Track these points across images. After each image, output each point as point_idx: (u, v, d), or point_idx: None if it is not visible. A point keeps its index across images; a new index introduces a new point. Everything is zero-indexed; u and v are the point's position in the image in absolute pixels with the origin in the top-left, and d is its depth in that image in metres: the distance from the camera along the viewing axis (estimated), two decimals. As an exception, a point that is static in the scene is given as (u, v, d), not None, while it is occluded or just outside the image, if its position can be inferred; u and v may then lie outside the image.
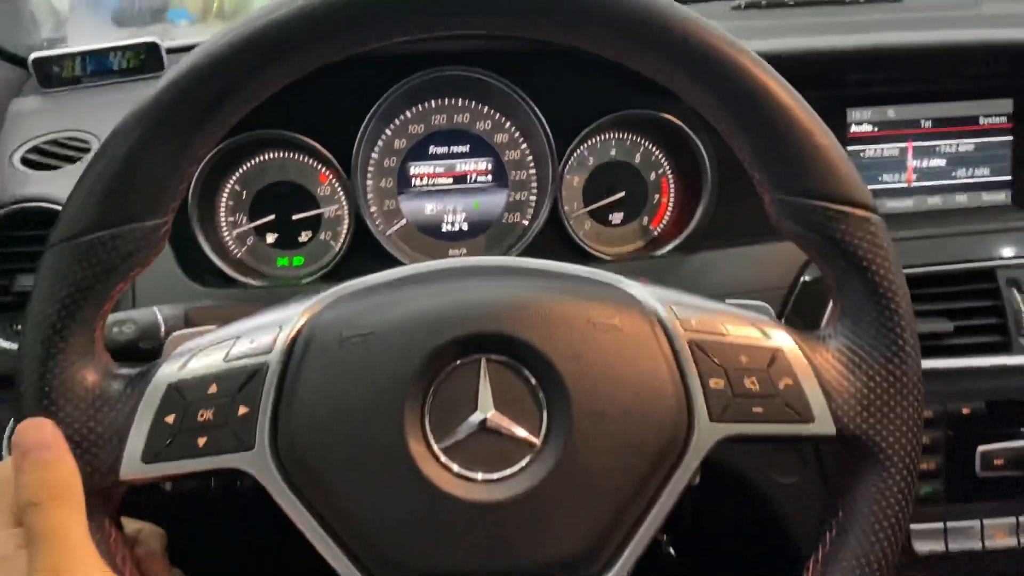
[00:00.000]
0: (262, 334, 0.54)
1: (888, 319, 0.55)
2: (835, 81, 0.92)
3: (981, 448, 0.81)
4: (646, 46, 0.54)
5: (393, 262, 0.90)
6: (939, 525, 0.83)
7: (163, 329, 0.66)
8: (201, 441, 0.51)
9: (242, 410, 0.52)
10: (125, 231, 0.52)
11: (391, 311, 0.54)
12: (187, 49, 1.02)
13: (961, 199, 0.96)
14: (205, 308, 0.68)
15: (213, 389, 0.52)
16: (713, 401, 0.54)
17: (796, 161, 0.54)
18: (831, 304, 0.58)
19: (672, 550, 0.85)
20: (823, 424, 0.54)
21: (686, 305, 0.56)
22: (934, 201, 0.96)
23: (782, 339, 0.56)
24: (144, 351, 0.65)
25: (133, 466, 0.51)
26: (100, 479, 0.51)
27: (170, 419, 0.52)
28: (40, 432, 0.50)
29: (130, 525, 0.58)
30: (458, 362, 0.53)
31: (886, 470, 0.55)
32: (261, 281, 0.89)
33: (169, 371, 0.53)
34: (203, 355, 0.54)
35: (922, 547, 0.83)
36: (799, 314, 0.83)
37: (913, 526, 0.82)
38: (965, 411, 0.81)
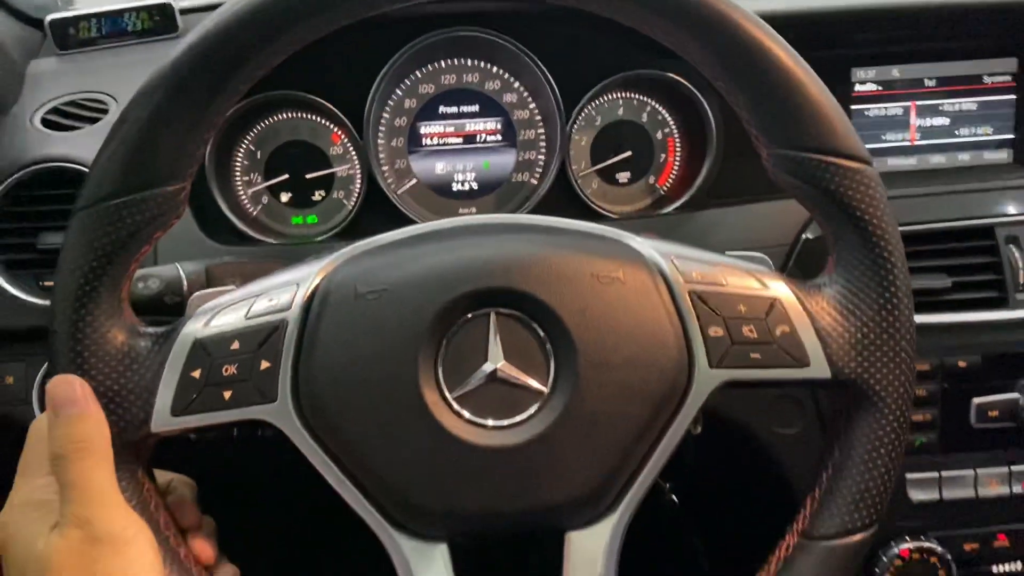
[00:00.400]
0: (280, 292, 0.56)
1: (881, 266, 0.57)
2: (840, 41, 0.93)
3: (976, 400, 0.84)
4: (645, 6, 0.56)
5: (405, 220, 0.92)
6: (934, 475, 0.86)
7: (185, 284, 0.68)
8: (226, 394, 0.54)
9: (264, 364, 0.54)
10: (147, 196, 0.54)
11: (404, 268, 0.56)
12: (200, 10, 1.04)
13: (963, 158, 0.97)
14: (225, 264, 0.71)
15: (236, 345, 0.55)
16: (712, 348, 0.56)
17: (790, 115, 0.56)
18: (829, 255, 0.60)
19: (675, 498, 0.88)
20: (818, 368, 0.57)
21: (687, 258, 0.58)
22: (936, 160, 0.97)
23: (779, 288, 0.58)
24: (168, 306, 0.68)
25: (163, 419, 0.54)
26: (132, 432, 0.54)
27: (196, 374, 0.54)
28: (68, 388, 0.53)
29: (161, 476, 0.61)
30: (469, 316, 0.55)
31: (879, 411, 0.58)
32: (277, 239, 0.92)
33: (193, 329, 0.56)
34: (225, 313, 0.56)
35: (917, 495, 0.85)
36: (801, 270, 0.85)
37: (909, 475, 0.85)
38: (961, 364, 0.83)
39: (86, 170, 0.81)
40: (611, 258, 0.57)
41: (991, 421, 0.84)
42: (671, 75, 0.92)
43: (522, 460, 0.54)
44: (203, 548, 0.59)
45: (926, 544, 0.86)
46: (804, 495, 0.61)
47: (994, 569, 0.89)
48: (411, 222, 0.91)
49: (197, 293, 0.62)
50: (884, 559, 0.87)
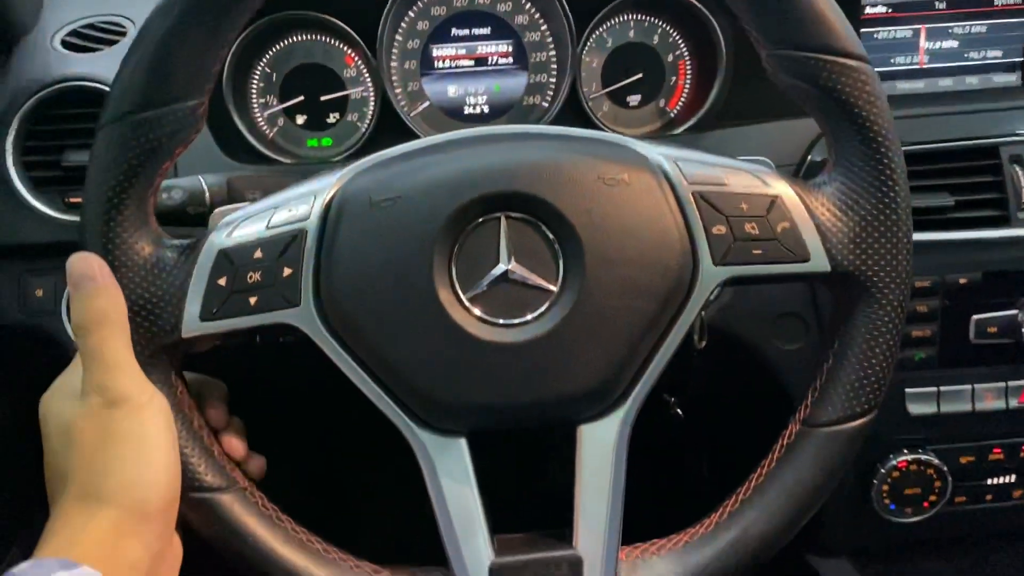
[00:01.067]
0: (298, 203, 0.59)
1: (879, 161, 0.59)
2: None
3: (975, 316, 0.86)
4: None
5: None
6: (932, 389, 0.88)
7: (208, 195, 0.71)
8: (252, 300, 0.57)
9: (286, 271, 0.57)
10: (167, 111, 0.56)
11: (416, 176, 0.58)
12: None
13: (972, 81, 0.98)
14: (246, 177, 0.73)
15: (258, 254, 0.57)
16: (716, 246, 0.58)
17: (788, 15, 0.58)
18: (828, 154, 0.62)
19: (680, 411, 0.91)
20: (818, 262, 0.59)
21: (690, 160, 0.60)
22: (945, 83, 0.98)
23: (780, 187, 0.60)
24: (191, 216, 0.70)
25: (193, 324, 0.57)
26: (164, 338, 0.57)
27: (222, 282, 0.57)
28: (86, 265, 0.56)
29: (192, 379, 0.64)
30: (480, 220, 0.58)
31: (877, 302, 0.60)
32: (293, 160, 0.94)
33: (217, 239, 0.58)
34: (247, 224, 0.59)
35: (916, 409, 0.88)
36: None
37: (907, 389, 0.88)
38: (962, 281, 0.85)
39: (107, 88, 0.83)
40: (617, 162, 0.59)
41: (990, 337, 0.86)
42: (682, -3, 0.92)
43: (534, 355, 0.57)
44: (234, 445, 0.63)
45: (923, 457, 0.89)
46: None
47: (989, 481, 0.92)
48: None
49: (219, 209, 0.64)
50: (882, 471, 0.90)
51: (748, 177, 0.60)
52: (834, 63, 0.57)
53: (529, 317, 0.57)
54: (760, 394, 0.89)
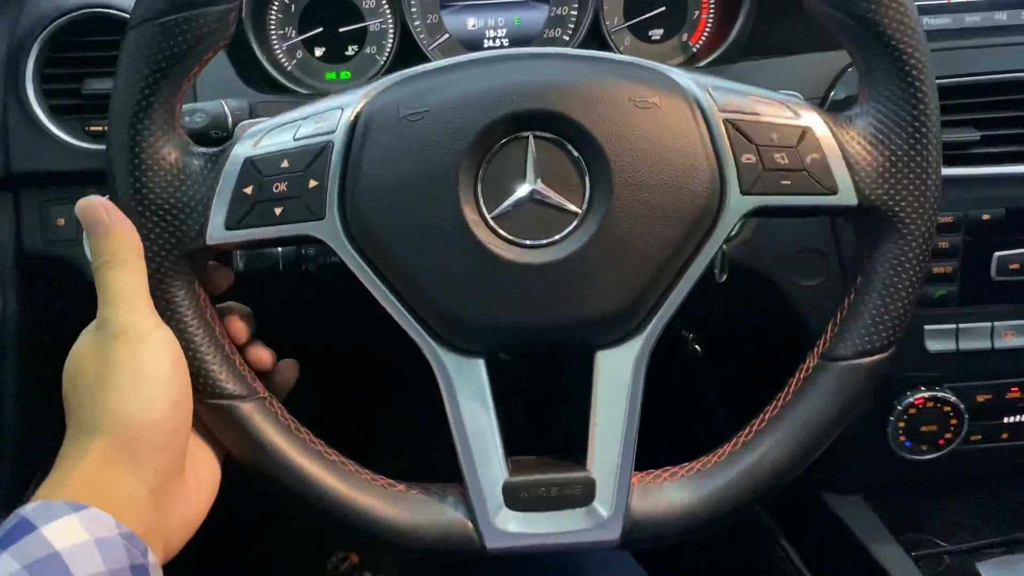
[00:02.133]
0: (326, 116, 0.58)
1: (913, 96, 0.58)
2: None
3: (997, 253, 0.85)
4: None
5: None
6: (952, 326, 0.88)
7: (230, 119, 0.71)
8: (278, 210, 0.57)
9: (312, 183, 0.57)
10: (199, 14, 0.55)
11: (445, 91, 0.58)
12: None
13: (1000, 17, 0.96)
14: (268, 103, 0.73)
15: (285, 164, 0.57)
16: (744, 174, 0.58)
17: None
18: (859, 86, 0.61)
19: (698, 347, 0.91)
20: (846, 195, 0.59)
21: (723, 88, 0.60)
22: (972, 19, 0.96)
23: (811, 119, 0.59)
24: (213, 140, 0.70)
25: (218, 232, 0.57)
26: (188, 243, 0.57)
27: (248, 190, 0.57)
28: (94, 210, 0.56)
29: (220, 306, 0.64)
30: (508, 138, 0.57)
31: (903, 237, 0.60)
32: (312, 93, 0.93)
33: (244, 148, 0.58)
34: (274, 134, 0.58)
35: (934, 346, 0.88)
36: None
37: (927, 327, 0.88)
38: (985, 217, 0.85)
39: (126, 15, 0.83)
40: (649, 85, 0.58)
41: (1011, 274, 0.86)
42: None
43: (556, 277, 0.57)
44: (262, 355, 0.63)
45: (940, 394, 0.89)
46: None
47: (1005, 420, 0.92)
48: (444, 77, 0.93)
49: (243, 122, 0.64)
50: (899, 408, 0.90)
51: (780, 107, 0.59)
52: None
53: (554, 238, 0.57)
54: (779, 330, 0.89)
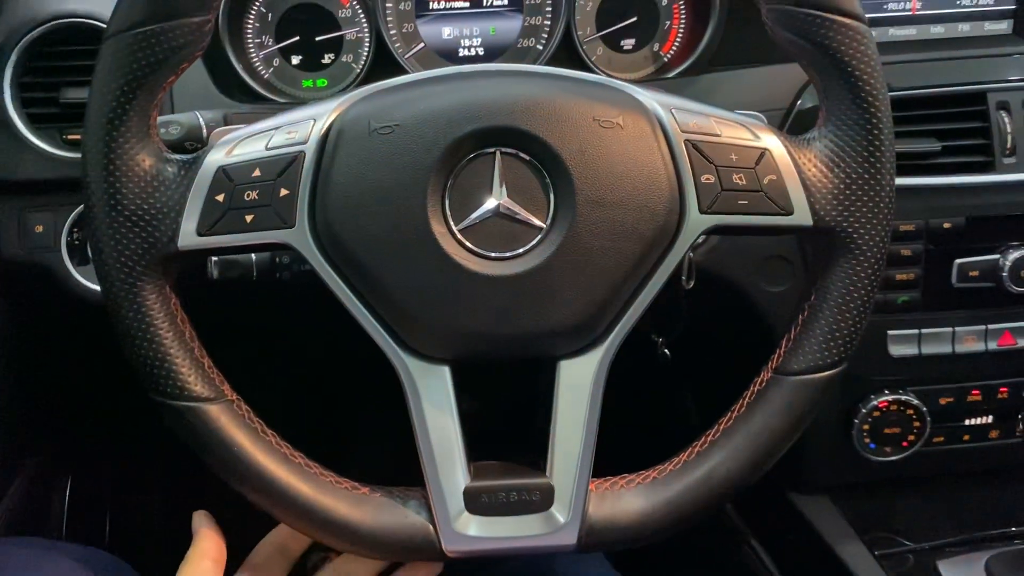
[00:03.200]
0: (298, 126, 0.60)
1: (868, 121, 0.60)
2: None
3: (958, 261, 0.88)
4: None
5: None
6: (914, 331, 0.90)
7: (205, 131, 0.72)
8: (248, 218, 0.59)
9: (283, 192, 0.59)
10: (174, 25, 0.57)
11: (415, 106, 0.59)
12: None
13: (964, 28, 0.98)
14: (243, 114, 0.74)
15: (257, 173, 0.59)
16: (703, 194, 0.60)
17: None
18: (819, 108, 0.63)
19: (667, 352, 0.93)
20: (801, 216, 0.61)
21: (685, 109, 0.61)
22: (936, 30, 0.98)
23: (770, 140, 0.61)
24: (189, 151, 0.71)
25: (189, 238, 0.59)
26: (161, 249, 0.59)
27: (220, 198, 0.58)
28: (207, 536, 0.69)
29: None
30: (475, 153, 0.59)
31: (855, 257, 0.62)
32: (288, 101, 0.94)
33: (217, 156, 0.59)
34: (246, 143, 0.60)
35: (897, 351, 0.90)
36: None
37: (890, 332, 0.90)
38: (946, 226, 0.87)
39: (103, 25, 0.84)
40: (613, 104, 0.60)
41: (971, 281, 0.88)
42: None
43: (520, 289, 0.59)
44: None
45: (903, 397, 0.92)
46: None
47: (966, 422, 0.95)
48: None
49: (217, 129, 0.65)
50: (863, 411, 0.92)
51: (740, 129, 0.61)
52: (832, 21, 0.58)
53: (518, 251, 0.59)
54: (746, 335, 0.91)
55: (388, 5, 0.96)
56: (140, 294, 0.59)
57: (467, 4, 0.98)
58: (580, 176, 0.58)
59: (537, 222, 0.59)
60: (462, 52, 0.99)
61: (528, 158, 0.59)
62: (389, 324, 0.60)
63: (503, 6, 0.98)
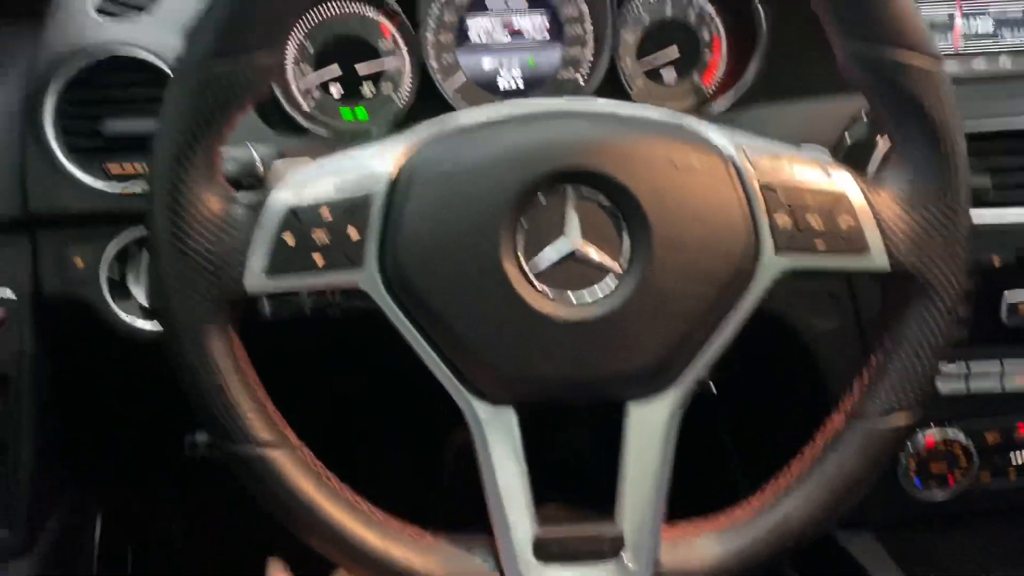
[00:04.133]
0: (368, 165, 0.59)
1: (945, 165, 0.60)
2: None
3: (1007, 297, 0.87)
4: None
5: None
6: (963, 369, 0.89)
7: (259, 165, 0.71)
8: (317, 259, 0.57)
9: (353, 233, 0.57)
10: (242, 61, 0.56)
11: (487, 147, 0.59)
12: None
13: (1006, 63, 0.98)
14: (297, 151, 0.72)
15: (326, 214, 0.57)
16: (779, 236, 0.59)
17: (869, 11, 0.58)
18: (889, 148, 0.63)
19: (712, 385, 0.92)
20: (878, 259, 0.60)
21: (758, 148, 0.61)
22: (979, 65, 0.98)
23: (844, 181, 0.60)
24: (243, 187, 0.70)
25: (257, 280, 0.57)
26: (228, 291, 0.58)
27: (289, 238, 0.57)
28: None
29: None
30: (549, 194, 0.58)
31: (932, 302, 0.61)
32: (329, 133, 0.93)
33: (285, 196, 0.58)
34: (315, 183, 0.59)
35: (945, 387, 0.89)
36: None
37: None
38: (995, 262, 0.86)
39: (146, 56, 0.83)
40: (688, 145, 0.59)
41: (1021, 317, 0.87)
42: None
43: (594, 333, 0.58)
44: None
45: (951, 434, 0.91)
46: (839, 389, 0.64)
47: (1012, 459, 0.94)
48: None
49: (279, 160, 0.64)
50: (910, 447, 0.91)
51: (812, 168, 0.60)
52: (909, 65, 0.58)
53: (593, 296, 0.58)
54: (793, 373, 0.91)
55: (429, 36, 0.95)
56: (206, 338, 0.58)
57: (507, 35, 0.97)
58: (656, 219, 0.58)
59: (612, 265, 0.58)
60: (501, 83, 0.98)
61: (603, 199, 0.58)
62: (457, 367, 0.59)
63: (543, 37, 0.97)
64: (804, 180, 0.60)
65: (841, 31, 0.59)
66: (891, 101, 0.60)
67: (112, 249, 0.83)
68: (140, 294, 0.83)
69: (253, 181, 0.70)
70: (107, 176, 0.83)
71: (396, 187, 0.58)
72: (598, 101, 0.64)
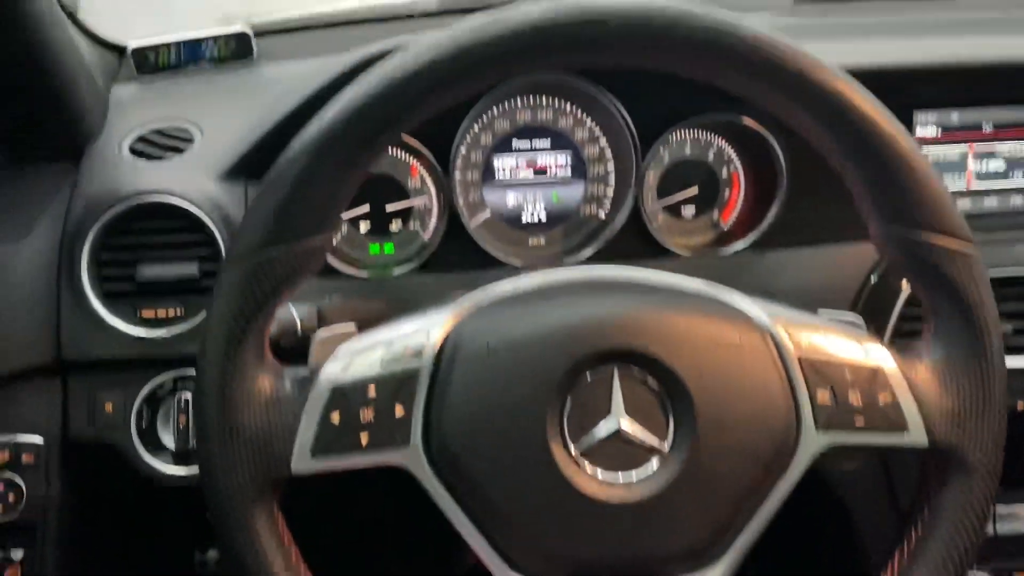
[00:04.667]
0: (412, 338, 0.60)
1: (980, 344, 0.61)
2: (904, 89, 0.96)
3: None
4: (763, 80, 0.59)
5: (479, 252, 0.95)
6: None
7: (299, 326, 0.71)
8: (364, 438, 0.58)
9: (399, 411, 0.58)
10: (296, 247, 0.57)
11: (532, 323, 0.60)
12: (274, 32, 1.06)
13: (1016, 201, 1.01)
14: (334, 306, 0.73)
15: (372, 391, 0.58)
16: (819, 413, 0.60)
17: (905, 196, 0.60)
18: (925, 323, 0.64)
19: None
20: (917, 435, 0.61)
21: (794, 322, 0.62)
22: (990, 203, 1.01)
23: (880, 355, 0.61)
24: (283, 348, 0.70)
25: (303, 461, 0.58)
26: (275, 471, 0.58)
27: (335, 418, 0.58)
28: None
29: None
30: (594, 373, 0.59)
31: (971, 477, 0.61)
32: (356, 267, 0.94)
33: (332, 372, 0.59)
34: (360, 357, 0.60)
35: (1003, 528, 0.89)
36: (869, 314, 0.88)
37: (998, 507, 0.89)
38: (1020, 407, 0.87)
39: (181, 203, 0.84)
40: (729, 322, 0.60)
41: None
42: (745, 120, 0.94)
43: (639, 514, 0.58)
44: None
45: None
46: (862, 536, 0.64)
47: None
48: (485, 255, 0.95)
49: (320, 333, 0.64)
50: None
51: (850, 343, 0.61)
52: (944, 247, 0.59)
53: (637, 476, 0.58)
54: (816, 516, 0.90)
55: (456, 175, 0.97)
56: (252, 519, 0.58)
57: (531, 173, 0.99)
58: (700, 398, 0.58)
59: (658, 445, 0.59)
60: (525, 218, 1.00)
61: (649, 379, 0.59)
62: (499, 544, 0.59)
63: (566, 175, 0.99)
64: (842, 355, 0.61)
65: (875, 213, 0.61)
66: (926, 280, 0.61)
67: (143, 394, 0.83)
68: (169, 439, 0.83)
69: (292, 341, 0.71)
70: (140, 321, 0.84)
71: (440, 363, 0.59)
72: (635, 271, 0.65)
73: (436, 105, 0.58)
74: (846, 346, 0.62)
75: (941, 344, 0.62)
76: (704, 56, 0.58)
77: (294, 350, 0.70)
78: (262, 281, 0.57)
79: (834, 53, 0.94)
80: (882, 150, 0.59)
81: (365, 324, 0.68)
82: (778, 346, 0.60)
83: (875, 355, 0.62)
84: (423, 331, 0.60)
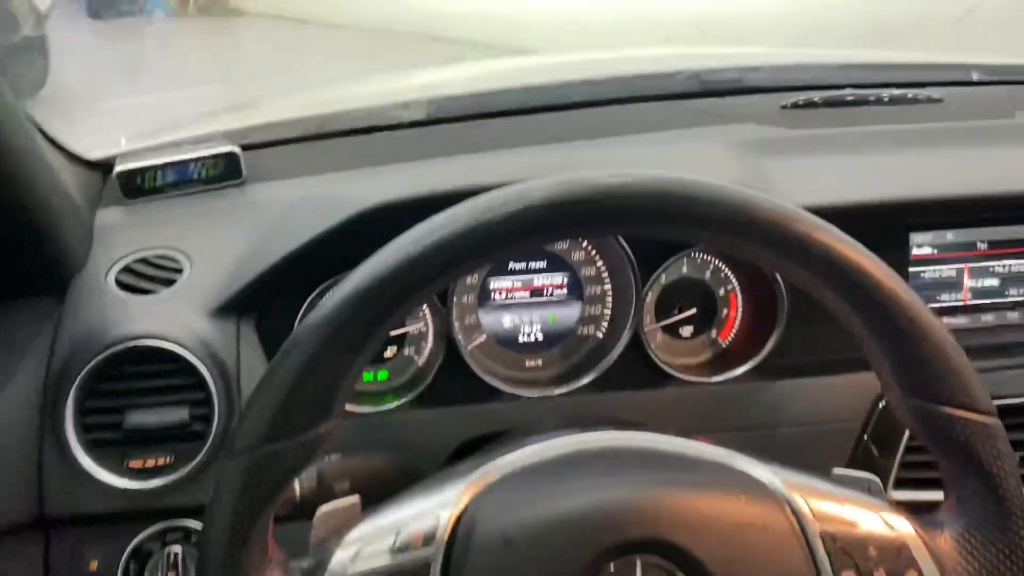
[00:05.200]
0: (424, 517, 0.57)
1: (1004, 515, 0.60)
2: (899, 215, 0.96)
3: None
4: (786, 254, 0.58)
5: (474, 378, 0.93)
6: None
7: (298, 490, 0.69)
8: None
9: None
10: (303, 438, 0.55)
11: (549, 508, 0.57)
12: (261, 146, 1.04)
13: (1013, 316, 1.01)
14: (333, 466, 0.71)
15: None
16: None
17: (924, 369, 0.59)
18: (945, 491, 0.63)
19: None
20: None
21: (815, 492, 0.60)
22: (987, 318, 1.01)
23: (905, 530, 0.60)
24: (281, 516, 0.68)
25: None
26: None
27: None
28: None
29: None
30: (616, 564, 0.56)
31: None
32: (352, 404, 0.91)
33: (342, 560, 0.57)
34: (371, 543, 0.57)
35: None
36: (876, 442, 0.87)
37: None
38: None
39: (169, 346, 0.81)
40: (747, 496, 0.59)
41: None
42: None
43: None
44: None
45: None
46: None
47: None
48: (481, 381, 0.92)
49: (322, 509, 0.62)
50: None
51: (872, 516, 0.60)
52: (967, 420, 0.59)
53: None
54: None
55: (454, 299, 0.95)
56: None
57: (527, 294, 0.97)
58: None
59: None
60: (521, 338, 0.98)
61: (672, 567, 0.57)
62: None
63: (563, 296, 0.98)
64: (865, 530, 0.59)
65: (897, 385, 0.60)
66: (947, 451, 0.60)
67: (130, 549, 0.80)
68: (157, 597, 0.79)
69: (290, 509, 0.68)
70: (127, 471, 0.80)
71: (453, 552, 0.56)
72: (647, 439, 0.63)
73: (443, 285, 0.57)
74: (867, 518, 0.60)
75: (964, 513, 0.61)
76: (724, 233, 0.57)
77: (293, 516, 0.67)
78: (266, 476, 0.54)
79: (825, 173, 0.96)
80: (901, 322, 0.58)
81: (367, 485, 0.65)
82: (799, 518, 0.59)
83: (898, 527, 0.60)
84: (432, 513, 0.58)
